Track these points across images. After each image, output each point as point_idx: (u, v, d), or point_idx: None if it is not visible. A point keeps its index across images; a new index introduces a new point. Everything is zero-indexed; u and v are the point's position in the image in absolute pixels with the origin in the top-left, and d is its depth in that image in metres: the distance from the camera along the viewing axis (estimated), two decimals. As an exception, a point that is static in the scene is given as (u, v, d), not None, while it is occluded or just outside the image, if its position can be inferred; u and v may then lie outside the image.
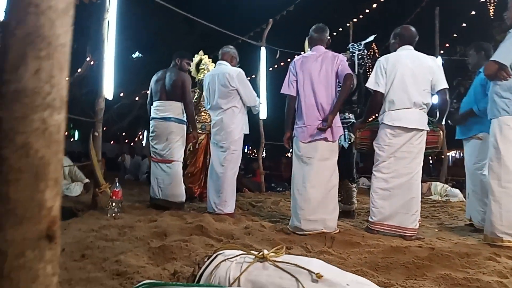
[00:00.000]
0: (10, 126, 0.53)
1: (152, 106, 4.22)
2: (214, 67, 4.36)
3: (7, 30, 0.52)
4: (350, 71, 3.22)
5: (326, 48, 3.35)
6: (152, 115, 4.18)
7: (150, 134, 4.23)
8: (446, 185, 6.35)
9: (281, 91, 3.34)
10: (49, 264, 0.59)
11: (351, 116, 4.13)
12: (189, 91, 4.19)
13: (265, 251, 1.18)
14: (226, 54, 4.02)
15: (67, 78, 0.53)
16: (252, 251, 1.20)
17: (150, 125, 4.21)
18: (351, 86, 3.45)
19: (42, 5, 0.53)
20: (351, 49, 4.24)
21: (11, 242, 0.54)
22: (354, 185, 4.17)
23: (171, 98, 4.11)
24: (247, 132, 3.95)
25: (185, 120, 4.21)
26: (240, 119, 3.87)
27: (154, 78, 4.30)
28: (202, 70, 5.00)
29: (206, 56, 5.12)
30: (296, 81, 3.26)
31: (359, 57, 4.18)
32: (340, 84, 3.21)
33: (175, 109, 4.10)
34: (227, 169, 3.80)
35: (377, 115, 3.42)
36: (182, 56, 4.31)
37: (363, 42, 4.28)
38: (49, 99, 0.53)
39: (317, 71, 3.20)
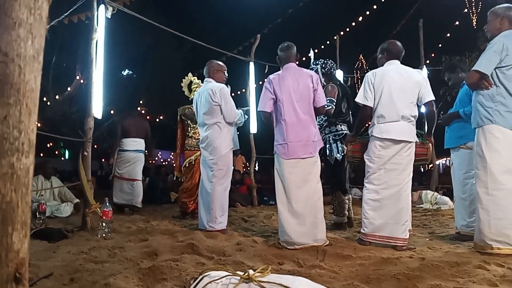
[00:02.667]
0: (-22, 173, 0.53)
1: (124, 141, 5.73)
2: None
3: None
4: (325, 102, 3.40)
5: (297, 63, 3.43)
6: (125, 148, 5.71)
7: (121, 160, 5.69)
8: (436, 193, 6.42)
9: (259, 109, 3.37)
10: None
11: (344, 127, 4.17)
12: (149, 132, 6.03)
13: (251, 271, 1.18)
14: (212, 71, 4.03)
15: (36, 122, 0.53)
16: (237, 272, 1.20)
17: (123, 155, 5.70)
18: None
19: (10, 53, 0.52)
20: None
21: (-22, 287, 0.53)
22: (346, 197, 4.18)
23: (139, 137, 5.85)
24: (237, 147, 3.96)
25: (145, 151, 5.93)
26: (226, 134, 3.86)
27: (124, 122, 5.83)
28: (195, 88, 5.02)
29: (195, 77, 5.14)
30: (274, 98, 3.28)
31: (326, 69, 4.25)
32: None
33: (141, 144, 5.86)
34: (215, 185, 3.78)
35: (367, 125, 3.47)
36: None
37: (314, 61, 4.44)
38: (17, 144, 0.53)
39: (296, 88, 3.23)
